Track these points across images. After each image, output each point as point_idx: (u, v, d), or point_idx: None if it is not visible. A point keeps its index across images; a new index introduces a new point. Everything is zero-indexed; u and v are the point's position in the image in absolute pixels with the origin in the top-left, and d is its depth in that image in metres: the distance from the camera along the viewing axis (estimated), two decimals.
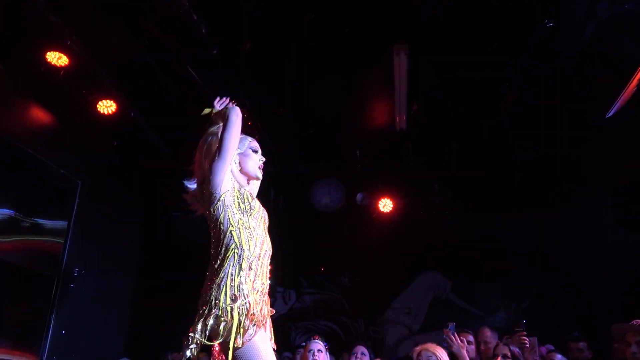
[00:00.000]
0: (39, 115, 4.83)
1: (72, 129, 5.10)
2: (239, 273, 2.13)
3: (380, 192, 6.38)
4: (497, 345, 3.77)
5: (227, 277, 2.11)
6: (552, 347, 4.12)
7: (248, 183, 2.55)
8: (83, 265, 5.18)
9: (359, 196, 6.44)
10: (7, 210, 4.44)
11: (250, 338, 2.06)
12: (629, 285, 4.81)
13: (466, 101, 5.03)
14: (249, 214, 2.30)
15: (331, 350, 4.46)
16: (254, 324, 2.10)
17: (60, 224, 5.19)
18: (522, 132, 5.23)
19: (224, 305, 2.05)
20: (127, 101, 4.90)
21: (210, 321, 2.04)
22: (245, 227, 2.25)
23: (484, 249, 6.61)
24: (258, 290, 2.21)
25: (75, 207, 5.07)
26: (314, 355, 3.89)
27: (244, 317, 2.06)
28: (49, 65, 4.37)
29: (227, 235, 2.20)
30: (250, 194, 2.42)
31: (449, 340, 3.78)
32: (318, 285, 7.25)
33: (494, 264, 6.54)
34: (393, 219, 6.46)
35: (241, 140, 2.51)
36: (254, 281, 2.19)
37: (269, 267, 2.36)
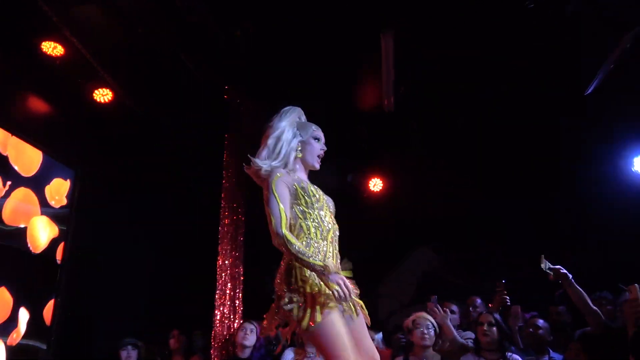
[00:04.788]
0: (35, 104, 4.90)
1: (69, 118, 5.17)
2: (309, 257, 2.17)
3: (371, 172, 6.59)
4: (480, 314, 3.87)
5: (297, 261, 2.20)
6: (535, 313, 4.35)
7: (306, 172, 2.57)
8: (86, 251, 5.30)
9: (349, 176, 6.66)
10: None
11: (325, 317, 2.13)
12: (615, 256, 5.03)
13: (456, 81, 5.18)
14: (313, 206, 2.36)
15: None
16: (330, 304, 2.16)
17: (61, 211, 5.33)
18: (516, 112, 5.39)
19: (296, 286, 2.18)
20: (123, 90, 4.98)
21: (286, 302, 2.16)
22: (313, 219, 2.34)
23: (473, 225, 6.86)
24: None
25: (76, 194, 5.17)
26: None
27: (319, 295, 2.15)
28: (45, 55, 4.44)
29: (296, 226, 2.30)
30: (314, 187, 2.44)
31: (431, 312, 4.00)
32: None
33: (482, 239, 6.80)
34: (384, 197, 6.67)
35: (305, 128, 2.54)
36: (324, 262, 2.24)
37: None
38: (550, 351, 4.00)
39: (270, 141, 2.45)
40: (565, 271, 3.37)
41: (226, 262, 4.82)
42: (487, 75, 5.06)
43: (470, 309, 4.48)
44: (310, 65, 5.01)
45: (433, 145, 6.32)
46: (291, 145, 2.48)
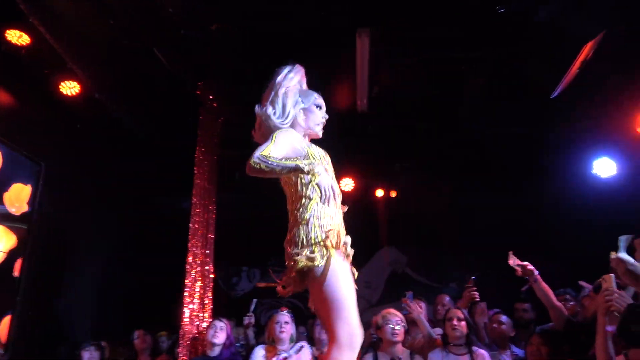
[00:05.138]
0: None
1: (34, 111, 5.00)
2: (324, 212, 2.26)
3: (342, 172, 6.63)
4: (448, 309, 3.99)
5: (313, 218, 2.23)
6: (499, 310, 4.50)
7: (309, 140, 2.57)
8: (51, 248, 5.13)
9: None
10: None
11: (339, 266, 2.18)
12: (578, 253, 5.23)
13: (426, 84, 5.28)
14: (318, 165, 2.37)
15: (296, 322, 4.66)
16: (343, 256, 2.24)
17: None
18: (482, 111, 5.54)
19: (316, 240, 2.19)
20: (91, 82, 4.86)
21: (304, 256, 2.16)
22: (322, 178, 2.32)
23: (439, 225, 7.00)
24: (341, 224, 2.35)
25: (40, 190, 5.00)
26: (281, 327, 4.05)
27: (335, 245, 2.20)
28: (9, 44, 4.28)
29: (309, 186, 2.30)
30: (320, 152, 2.45)
31: (407, 308, 4.06)
32: (283, 263, 7.46)
33: (448, 239, 6.96)
34: (354, 197, 6.72)
35: (307, 95, 2.53)
36: (334, 218, 2.31)
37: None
38: (512, 346, 4.16)
39: (278, 99, 2.43)
40: (532, 267, 3.49)
41: (196, 259, 4.76)
42: (455, 79, 5.19)
43: (439, 307, 4.58)
44: (284, 62, 5.01)
45: (400, 146, 6.43)
46: (295, 109, 2.46)
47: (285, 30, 4.65)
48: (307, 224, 2.23)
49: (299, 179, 2.32)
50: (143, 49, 4.50)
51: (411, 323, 4.13)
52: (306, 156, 2.35)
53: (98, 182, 5.78)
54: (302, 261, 2.16)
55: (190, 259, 4.73)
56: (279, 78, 2.48)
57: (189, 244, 4.76)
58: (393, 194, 7.17)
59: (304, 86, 2.59)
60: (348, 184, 6.66)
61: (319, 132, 2.55)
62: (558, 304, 3.53)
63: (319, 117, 2.53)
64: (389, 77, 5.24)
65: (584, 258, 4.40)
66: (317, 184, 2.29)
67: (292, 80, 2.50)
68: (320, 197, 2.27)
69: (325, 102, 2.57)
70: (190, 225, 4.79)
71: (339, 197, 2.40)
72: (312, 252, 2.18)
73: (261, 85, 5.26)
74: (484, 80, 4.98)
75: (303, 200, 2.30)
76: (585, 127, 5.05)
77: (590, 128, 5.02)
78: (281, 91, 2.45)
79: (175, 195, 5.97)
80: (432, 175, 6.68)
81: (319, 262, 2.15)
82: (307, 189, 2.30)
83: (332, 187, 2.30)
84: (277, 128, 2.40)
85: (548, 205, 5.96)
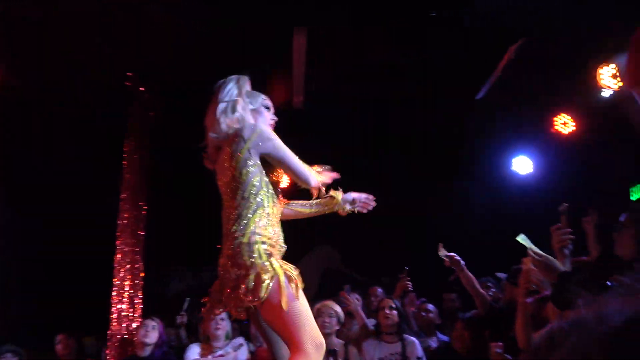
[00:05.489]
0: None
1: None
2: (268, 230, 2.15)
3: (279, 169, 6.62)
4: (382, 299, 4.14)
5: (255, 236, 2.11)
6: (425, 299, 4.73)
7: None
8: None
9: None
10: None
11: (297, 291, 2.06)
12: (495, 246, 5.56)
13: (359, 82, 5.41)
14: (269, 177, 2.28)
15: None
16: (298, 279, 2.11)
17: None
18: (411, 110, 5.75)
19: (261, 262, 2.06)
20: (9, 69, 4.52)
21: (251, 281, 2.03)
22: (270, 190, 2.24)
23: (371, 222, 7.18)
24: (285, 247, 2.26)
25: None
26: (217, 324, 3.98)
27: (288, 270, 2.08)
28: None
29: (255, 198, 2.18)
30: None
31: (345, 301, 4.15)
32: (215, 262, 7.33)
33: (378, 235, 7.16)
34: (290, 194, 6.73)
35: (255, 97, 2.44)
36: (277, 224, 2.24)
37: None
38: (438, 333, 4.40)
39: (224, 112, 2.28)
40: (458, 258, 3.70)
41: (125, 257, 4.57)
42: (389, 78, 5.36)
43: (372, 298, 4.71)
44: (220, 57, 4.94)
45: (333, 142, 6.53)
46: (245, 114, 2.33)
47: (221, 25, 4.60)
48: (249, 241, 2.10)
49: (251, 180, 2.19)
50: (72, 35, 4.25)
51: (347, 315, 4.23)
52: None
53: (16, 175, 5.39)
54: (250, 283, 2.03)
55: (119, 257, 4.53)
56: (222, 90, 2.34)
57: (118, 242, 4.56)
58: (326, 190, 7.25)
59: (249, 87, 2.50)
60: (283, 180, 6.66)
61: None
62: (482, 291, 3.77)
63: (269, 119, 2.47)
64: (325, 75, 5.32)
65: (503, 250, 4.72)
66: (270, 184, 2.23)
67: (237, 87, 2.36)
68: (266, 204, 2.19)
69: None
70: (119, 221, 4.59)
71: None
72: (258, 274, 2.04)
73: (195, 79, 5.20)
74: (408, 79, 5.19)
75: (246, 207, 2.18)
76: (506, 127, 5.40)
77: (510, 128, 5.37)
78: (225, 102, 2.31)
79: (101, 190, 5.68)
80: (364, 172, 6.85)
81: (267, 283, 2.02)
82: (254, 194, 2.18)
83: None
84: (241, 126, 2.27)
85: (471, 200, 6.31)
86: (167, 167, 6.46)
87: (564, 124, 4.80)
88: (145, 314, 4.59)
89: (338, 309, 3.98)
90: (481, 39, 4.38)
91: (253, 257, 2.06)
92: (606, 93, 4.32)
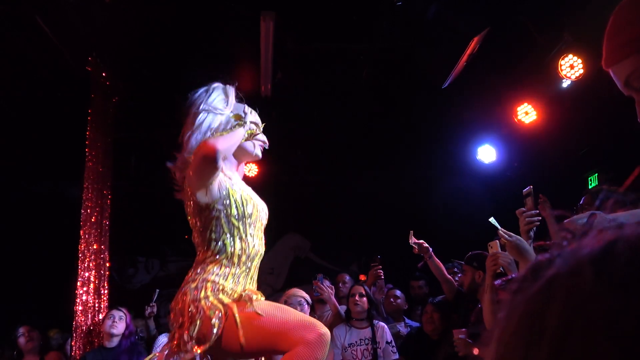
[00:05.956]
0: None
1: None
2: (224, 278, 1.91)
3: None
4: (352, 286, 4.21)
5: (206, 282, 1.88)
6: (391, 286, 4.82)
7: (238, 166, 2.18)
8: None
9: None
10: None
11: (250, 310, 1.84)
12: (459, 234, 5.70)
13: (326, 70, 5.42)
14: (243, 221, 1.97)
15: None
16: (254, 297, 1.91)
17: None
18: (374, 100, 5.80)
19: (206, 302, 1.83)
20: None
21: (197, 324, 1.80)
22: (240, 237, 1.95)
23: (339, 210, 7.26)
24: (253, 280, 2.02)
25: None
26: None
27: (239, 299, 1.88)
28: None
29: (217, 242, 1.93)
30: (248, 194, 2.03)
31: (318, 290, 4.19)
32: (183, 253, 7.25)
33: (347, 223, 7.24)
34: (257, 183, 6.71)
35: (239, 110, 2.09)
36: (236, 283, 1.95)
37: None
38: (406, 318, 4.51)
39: (199, 127, 1.97)
40: (427, 245, 3.78)
41: (90, 247, 4.46)
42: (354, 66, 5.39)
43: (340, 284, 4.77)
44: (186, 42, 4.86)
45: (303, 132, 6.54)
46: (227, 129, 2.01)
47: (188, 10, 4.50)
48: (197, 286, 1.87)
49: (214, 217, 1.92)
50: (22, 16, 4.07)
51: (318, 302, 4.27)
52: (230, 200, 1.96)
53: None
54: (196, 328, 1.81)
55: (82, 247, 4.41)
56: (200, 100, 2.03)
57: (81, 231, 4.45)
58: (294, 179, 7.28)
59: (233, 97, 2.15)
60: (252, 169, 6.63)
61: (258, 153, 2.22)
62: (449, 277, 3.87)
63: (257, 135, 2.18)
64: (290, 63, 5.30)
65: (466, 237, 4.85)
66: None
67: (218, 99, 2.06)
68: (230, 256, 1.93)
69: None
70: (82, 211, 4.47)
71: (260, 258, 2.06)
72: (206, 318, 1.80)
73: (158, 65, 5.08)
74: (369, 70, 5.23)
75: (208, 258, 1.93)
76: (471, 117, 5.51)
77: (475, 117, 5.49)
78: (202, 116, 2.00)
79: (61, 179, 5.52)
80: (334, 161, 6.89)
81: (218, 326, 1.80)
82: (216, 238, 1.93)
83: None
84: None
85: (437, 187, 6.44)
86: (132, 154, 6.33)
87: (526, 113, 4.93)
88: (112, 305, 4.51)
89: (303, 293, 4.01)
90: (444, 29, 4.45)
91: (198, 300, 1.83)
92: (566, 83, 4.46)
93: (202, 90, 2.06)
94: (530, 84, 4.83)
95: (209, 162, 1.81)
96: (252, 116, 2.13)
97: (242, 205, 1.96)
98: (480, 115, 5.43)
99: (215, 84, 2.09)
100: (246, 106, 2.13)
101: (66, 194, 5.39)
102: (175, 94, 5.69)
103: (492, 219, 2.46)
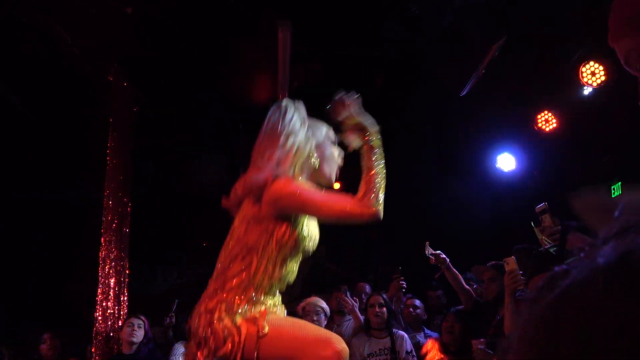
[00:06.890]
0: None
1: None
2: (244, 297, 1.79)
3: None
4: (371, 295, 4.17)
5: (221, 303, 1.77)
6: (410, 295, 4.77)
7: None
8: None
9: (242, 169, 6.62)
10: None
11: (264, 329, 1.72)
12: (479, 243, 5.63)
13: (341, 79, 5.43)
14: (293, 254, 1.86)
15: None
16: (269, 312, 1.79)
17: None
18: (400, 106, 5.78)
19: (220, 324, 1.72)
20: None
21: (213, 348, 1.71)
22: (279, 266, 1.83)
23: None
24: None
25: None
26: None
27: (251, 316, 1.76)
28: None
29: (256, 264, 1.80)
30: (314, 231, 1.92)
31: (343, 302, 4.18)
32: (201, 261, 7.28)
33: (364, 232, 7.20)
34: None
35: (318, 127, 1.96)
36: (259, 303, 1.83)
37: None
38: (425, 328, 4.45)
39: (282, 147, 1.84)
40: (444, 256, 3.75)
41: (110, 254, 4.52)
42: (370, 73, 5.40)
43: (363, 295, 4.75)
44: (204, 51, 4.92)
45: None
46: (306, 150, 1.89)
47: (206, 20, 4.57)
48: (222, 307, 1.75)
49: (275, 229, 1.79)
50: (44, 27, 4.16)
51: (337, 313, 4.27)
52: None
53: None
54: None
55: (103, 254, 4.47)
56: (280, 117, 1.91)
57: (102, 238, 4.51)
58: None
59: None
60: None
61: (333, 177, 2.10)
62: (467, 287, 3.82)
63: (336, 157, 2.06)
64: (303, 72, 5.34)
65: (486, 245, 4.80)
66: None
67: (298, 115, 1.93)
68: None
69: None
70: (104, 218, 4.54)
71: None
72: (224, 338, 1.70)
73: (177, 74, 5.16)
74: (383, 78, 5.22)
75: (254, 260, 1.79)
76: (490, 125, 5.46)
77: (494, 125, 5.44)
78: (285, 133, 1.88)
79: (82, 187, 5.60)
80: (350, 169, 6.88)
81: (232, 349, 1.70)
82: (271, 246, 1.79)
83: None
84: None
85: (457, 197, 6.38)
86: (153, 163, 6.41)
87: (547, 121, 4.86)
88: (131, 312, 4.55)
89: (323, 304, 4.00)
90: (461, 37, 4.43)
91: (222, 320, 1.72)
92: (587, 90, 4.39)
93: (274, 108, 1.95)
94: (551, 91, 4.77)
95: (345, 216, 1.83)
96: (332, 132, 2.01)
97: (303, 241, 1.87)
98: (499, 123, 5.38)
99: (284, 102, 1.97)
100: (327, 126, 2.02)
101: (87, 201, 5.47)
102: (193, 103, 5.81)
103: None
